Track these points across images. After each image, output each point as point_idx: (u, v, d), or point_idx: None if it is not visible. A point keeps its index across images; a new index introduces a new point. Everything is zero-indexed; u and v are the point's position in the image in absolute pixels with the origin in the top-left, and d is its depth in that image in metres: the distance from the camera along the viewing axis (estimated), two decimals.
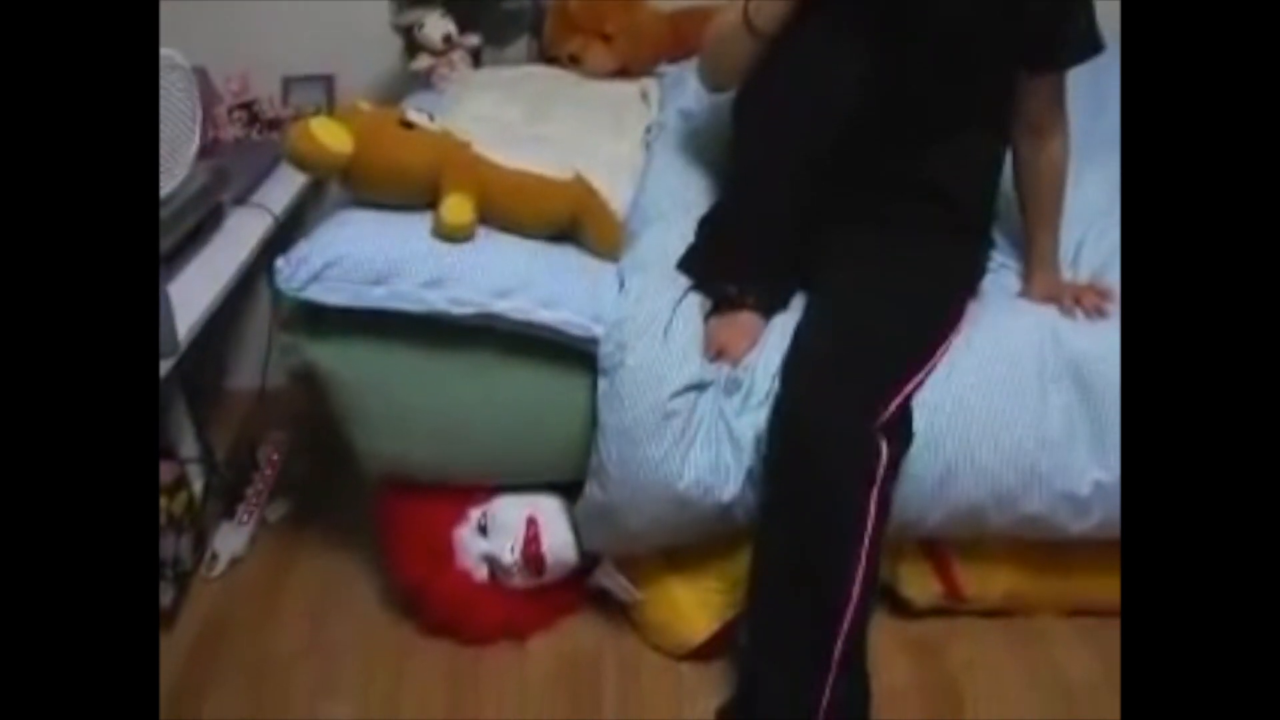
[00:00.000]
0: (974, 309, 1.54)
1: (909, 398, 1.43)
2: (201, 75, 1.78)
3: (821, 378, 1.39)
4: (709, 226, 1.60)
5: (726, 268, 1.53)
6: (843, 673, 1.33)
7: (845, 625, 1.32)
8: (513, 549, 1.59)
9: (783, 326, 1.52)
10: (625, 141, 1.79)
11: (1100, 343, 1.46)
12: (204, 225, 1.66)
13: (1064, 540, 1.53)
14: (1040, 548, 1.58)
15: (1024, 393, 1.45)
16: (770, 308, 1.54)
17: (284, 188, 1.91)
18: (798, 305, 1.57)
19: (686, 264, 1.54)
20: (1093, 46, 1.50)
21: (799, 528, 1.36)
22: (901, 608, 1.66)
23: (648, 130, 1.85)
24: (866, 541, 1.33)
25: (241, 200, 1.80)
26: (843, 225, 1.55)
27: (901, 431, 1.41)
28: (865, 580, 1.33)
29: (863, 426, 1.36)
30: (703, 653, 1.60)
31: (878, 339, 1.43)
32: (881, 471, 1.34)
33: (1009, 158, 1.62)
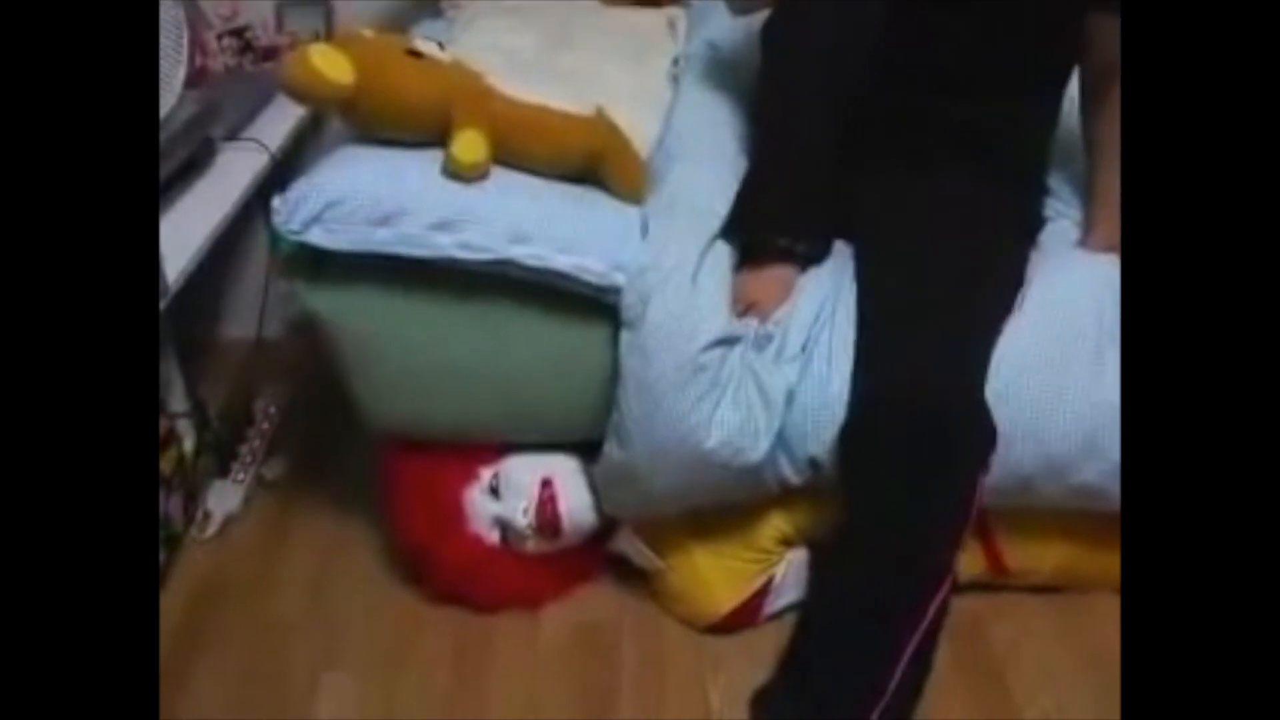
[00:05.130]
0: (1032, 262, 1.53)
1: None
2: None
3: (932, 349, 1.38)
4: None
5: (760, 214, 1.51)
6: (916, 656, 1.35)
7: (934, 608, 1.34)
8: (526, 512, 1.59)
9: (816, 279, 1.52)
10: (649, 74, 1.78)
11: None
12: (193, 161, 1.66)
13: (1119, 513, 1.50)
14: (1093, 520, 1.56)
15: (1081, 353, 1.43)
16: (807, 259, 1.53)
17: (280, 122, 1.89)
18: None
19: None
20: None
21: (906, 509, 1.35)
22: None
23: (674, 63, 1.84)
24: (970, 522, 1.36)
25: (234, 136, 1.79)
26: (887, 172, 1.53)
27: None
28: (957, 560, 1.36)
29: (981, 403, 1.37)
30: (728, 625, 1.60)
31: (967, 303, 1.42)
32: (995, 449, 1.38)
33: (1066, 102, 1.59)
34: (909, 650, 1.34)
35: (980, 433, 1.36)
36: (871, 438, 1.37)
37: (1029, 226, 1.59)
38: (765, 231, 1.50)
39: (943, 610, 1.36)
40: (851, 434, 1.39)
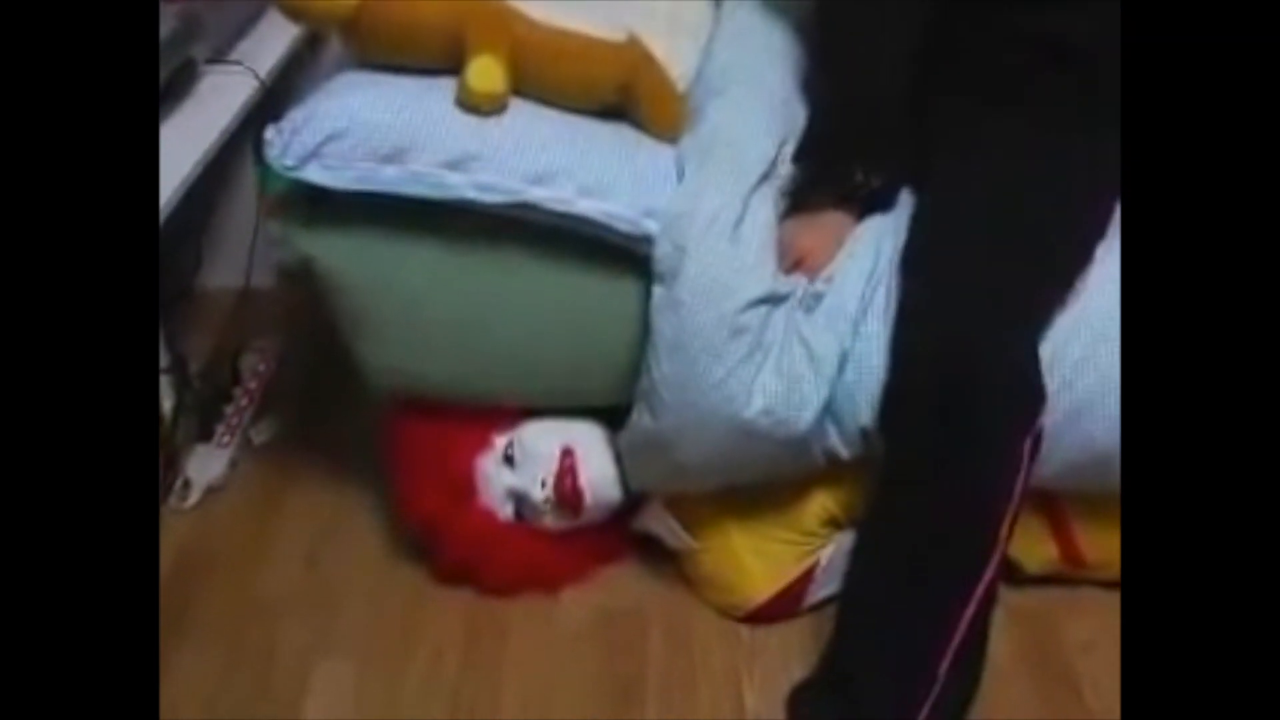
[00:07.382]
0: (1118, 211, 1.48)
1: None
2: None
3: (975, 299, 1.34)
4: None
5: (836, 143, 1.50)
6: (965, 645, 1.32)
7: (979, 593, 1.31)
8: (544, 484, 1.58)
9: (872, 232, 1.50)
10: None
11: None
12: (172, 87, 1.63)
13: None
14: None
15: None
16: (872, 201, 1.51)
17: (271, 43, 1.88)
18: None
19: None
20: None
21: (942, 477, 1.32)
22: (1007, 572, 1.58)
23: None
24: (1017, 496, 1.32)
25: (219, 58, 1.78)
26: (962, 100, 1.50)
27: None
28: (1006, 541, 1.33)
29: (1029, 362, 1.34)
30: (766, 614, 1.59)
31: (1033, 251, 1.39)
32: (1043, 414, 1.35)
33: None
34: (955, 639, 1.31)
35: (1023, 393, 1.33)
36: (906, 397, 1.36)
37: (1120, 169, 1.54)
38: (841, 162, 1.48)
39: (990, 594, 1.33)
40: (888, 395, 1.38)
